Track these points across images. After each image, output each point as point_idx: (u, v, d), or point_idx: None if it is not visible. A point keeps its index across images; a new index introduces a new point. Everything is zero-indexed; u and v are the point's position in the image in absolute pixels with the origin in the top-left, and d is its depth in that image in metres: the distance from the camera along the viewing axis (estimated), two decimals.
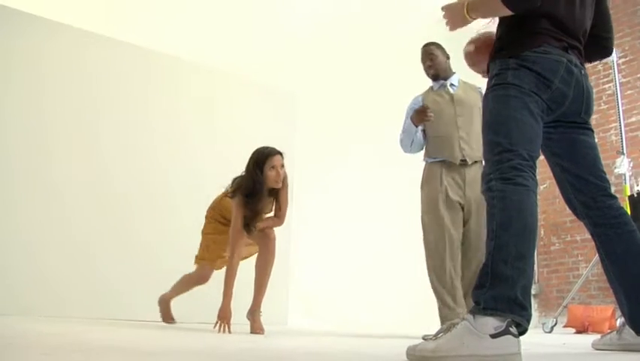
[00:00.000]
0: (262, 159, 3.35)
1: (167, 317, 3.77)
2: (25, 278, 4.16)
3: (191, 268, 3.73)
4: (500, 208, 1.75)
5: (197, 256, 3.67)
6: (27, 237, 4.27)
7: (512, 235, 1.70)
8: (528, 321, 1.65)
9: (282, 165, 3.40)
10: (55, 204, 4.44)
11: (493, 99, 1.92)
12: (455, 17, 2.07)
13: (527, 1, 1.89)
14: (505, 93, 1.90)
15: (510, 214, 1.73)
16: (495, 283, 1.66)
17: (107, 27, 4.89)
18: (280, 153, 3.41)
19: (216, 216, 3.62)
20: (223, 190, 3.59)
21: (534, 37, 1.95)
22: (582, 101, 2.01)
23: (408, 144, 3.55)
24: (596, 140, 2.20)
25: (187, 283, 3.72)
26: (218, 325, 3.19)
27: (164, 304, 3.78)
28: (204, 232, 3.69)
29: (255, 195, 3.33)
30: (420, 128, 3.48)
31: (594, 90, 2.16)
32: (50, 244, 4.34)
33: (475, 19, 2.03)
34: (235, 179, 3.45)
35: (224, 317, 3.20)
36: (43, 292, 4.19)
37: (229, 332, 3.13)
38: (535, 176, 1.83)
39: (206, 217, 3.69)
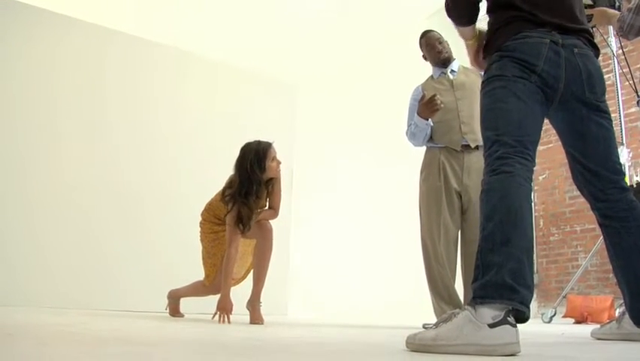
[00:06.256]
0: (263, 154, 3.38)
1: (175, 311, 3.78)
2: (30, 270, 4.19)
3: (194, 262, 3.71)
4: (485, 200, 1.77)
5: (206, 277, 3.61)
6: (34, 229, 4.30)
7: (496, 222, 1.70)
8: (524, 303, 1.63)
9: (276, 153, 3.46)
10: (64, 197, 4.48)
11: (483, 96, 1.95)
12: (471, 53, 2.19)
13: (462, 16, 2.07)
14: (491, 87, 1.92)
15: (493, 203, 1.74)
16: (484, 272, 1.66)
17: (113, 20, 4.91)
18: (272, 143, 3.47)
19: (210, 218, 3.62)
20: (216, 193, 3.60)
21: (512, 25, 1.95)
22: (581, 80, 1.95)
23: (421, 139, 3.44)
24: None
25: (201, 291, 3.68)
26: (218, 315, 3.19)
27: (174, 300, 3.79)
28: (202, 236, 3.66)
29: (253, 192, 3.35)
30: (431, 120, 3.38)
31: None
32: (55, 237, 4.37)
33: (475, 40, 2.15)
34: (228, 184, 3.45)
35: (223, 307, 3.20)
36: (47, 284, 4.22)
37: (229, 322, 3.13)
38: (525, 158, 1.82)
39: (201, 222, 3.68)
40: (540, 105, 1.93)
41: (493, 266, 1.65)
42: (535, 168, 6.47)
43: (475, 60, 2.24)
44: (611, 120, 2.06)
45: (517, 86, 1.88)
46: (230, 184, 3.43)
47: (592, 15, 2.44)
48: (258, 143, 3.44)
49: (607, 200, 2.07)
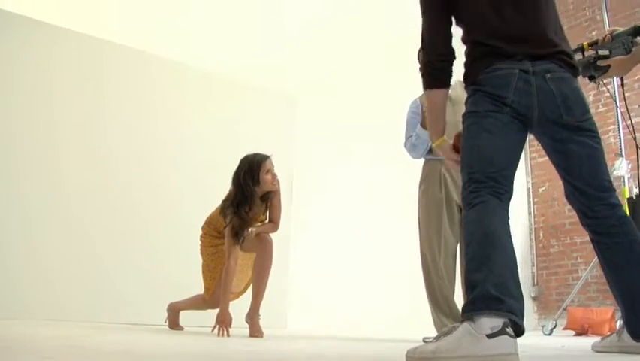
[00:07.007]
0: (256, 166, 3.40)
1: (175, 324, 3.77)
2: (29, 282, 4.18)
3: (194, 275, 3.70)
4: (466, 231, 1.87)
5: (206, 290, 3.60)
6: (32, 241, 4.29)
7: (476, 246, 1.80)
8: (512, 313, 1.65)
9: (274, 168, 3.46)
10: (61, 209, 4.46)
11: (463, 131, 2.04)
12: (446, 153, 2.26)
13: (435, 78, 2.14)
14: (467, 124, 2.01)
15: (471, 231, 1.84)
16: (472, 290, 1.72)
17: (109, 32, 4.93)
18: (270, 157, 3.48)
19: (211, 231, 3.63)
20: (216, 207, 3.61)
21: (484, 60, 2.00)
22: (556, 104, 1.95)
23: (422, 151, 3.43)
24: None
25: (201, 305, 3.67)
26: (217, 328, 3.19)
27: (174, 313, 3.77)
28: (202, 249, 3.67)
29: (246, 202, 3.36)
30: None
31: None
32: (54, 248, 4.36)
33: (440, 136, 2.25)
34: (226, 197, 3.48)
35: (223, 320, 3.19)
36: (46, 296, 4.20)
37: (228, 335, 3.13)
38: (497, 192, 1.88)
39: (202, 236, 3.69)
40: (517, 133, 1.97)
41: (477, 282, 1.71)
42: (534, 181, 6.50)
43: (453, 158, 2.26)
44: (596, 137, 2.03)
45: (489, 121, 1.93)
46: (228, 197, 3.46)
47: (609, 66, 2.40)
48: (254, 155, 3.46)
49: (595, 217, 2.06)
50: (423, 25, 2.13)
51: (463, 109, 3.39)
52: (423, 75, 2.17)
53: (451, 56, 2.11)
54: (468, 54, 2.09)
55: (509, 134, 1.94)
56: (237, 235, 3.33)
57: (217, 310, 3.30)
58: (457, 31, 2.15)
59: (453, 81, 3.50)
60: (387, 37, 6.23)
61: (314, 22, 6.01)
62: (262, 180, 3.39)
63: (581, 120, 2.00)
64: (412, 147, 3.48)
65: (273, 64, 5.65)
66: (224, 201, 3.47)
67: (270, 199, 3.51)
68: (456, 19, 2.13)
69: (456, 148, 2.19)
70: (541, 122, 1.97)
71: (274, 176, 3.44)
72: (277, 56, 5.71)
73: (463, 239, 3.35)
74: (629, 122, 2.88)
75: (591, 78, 2.45)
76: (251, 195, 3.38)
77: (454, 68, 3.55)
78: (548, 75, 1.96)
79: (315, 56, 5.92)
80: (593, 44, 2.48)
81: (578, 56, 2.44)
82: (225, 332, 3.15)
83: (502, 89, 1.93)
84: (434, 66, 2.12)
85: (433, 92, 2.18)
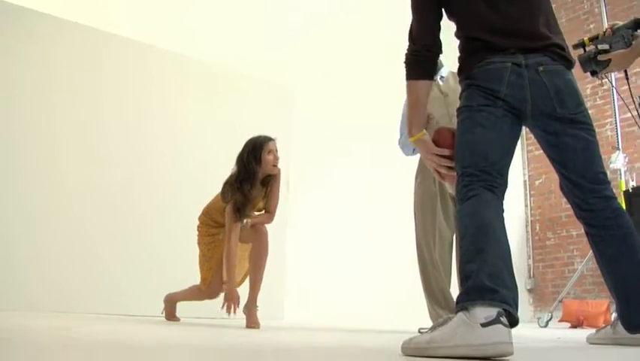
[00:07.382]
0: (259, 146, 3.47)
1: (171, 315, 3.78)
2: (29, 274, 4.18)
3: (191, 267, 3.71)
4: (461, 224, 1.86)
5: (202, 281, 3.61)
6: (32, 233, 4.29)
7: (469, 238, 1.79)
8: (505, 302, 1.65)
9: (277, 150, 3.52)
10: (60, 201, 4.46)
11: (457, 126, 2.03)
12: (427, 146, 2.15)
13: (417, 68, 2.10)
14: (461, 119, 2.00)
15: (465, 223, 1.83)
16: (466, 281, 1.72)
17: (109, 23, 4.92)
18: (274, 139, 3.53)
19: (207, 221, 3.64)
20: (214, 197, 3.63)
21: (477, 54, 1.99)
22: (549, 97, 1.95)
23: (412, 148, 3.36)
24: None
25: (197, 295, 3.69)
26: (226, 306, 3.23)
27: (170, 304, 3.78)
28: (199, 239, 3.67)
29: (248, 180, 3.41)
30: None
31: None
32: (54, 240, 4.35)
33: (421, 129, 2.15)
34: (227, 180, 3.52)
35: (231, 298, 3.26)
36: (46, 288, 4.20)
37: (235, 313, 3.20)
38: (491, 185, 1.87)
39: (198, 226, 3.70)
40: (510, 126, 1.96)
41: (471, 273, 1.71)
42: (531, 173, 6.53)
43: (432, 157, 2.16)
44: (591, 130, 2.04)
45: (483, 115, 1.93)
46: (230, 178, 3.50)
47: (609, 60, 2.37)
48: (258, 137, 3.53)
49: (590, 210, 2.07)
50: (412, 15, 2.12)
51: (456, 101, 3.39)
52: (407, 65, 2.14)
53: (437, 47, 2.10)
54: (461, 49, 2.08)
55: (503, 127, 1.94)
56: (239, 211, 3.36)
57: (213, 301, 3.32)
58: (447, 25, 2.15)
59: (444, 72, 3.52)
60: (388, 32, 6.21)
61: (316, 16, 6.00)
62: (264, 160, 3.44)
63: (575, 113, 1.99)
64: (404, 144, 3.47)
65: (272, 56, 5.64)
66: (226, 183, 3.49)
67: (270, 185, 3.53)
68: (448, 13, 2.12)
69: (436, 143, 2.17)
70: (534, 116, 1.97)
71: (276, 158, 3.49)
72: (277, 48, 5.69)
73: (457, 232, 3.37)
74: (634, 112, 2.88)
75: (593, 73, 2.45)
76: (253, 174, 3.43)
77: (446, 59, 3.55)
78: (541, 68, 1.95)
79: (315, 49, 5.92)
80: (594, 39, 2.48)
81: (579, 52, 2.44)
82: (233, 309, 3.20)
83: (495, 83, 1.93)
84: (420, 55, 2.10)
85: (416, 84, 2.14)
